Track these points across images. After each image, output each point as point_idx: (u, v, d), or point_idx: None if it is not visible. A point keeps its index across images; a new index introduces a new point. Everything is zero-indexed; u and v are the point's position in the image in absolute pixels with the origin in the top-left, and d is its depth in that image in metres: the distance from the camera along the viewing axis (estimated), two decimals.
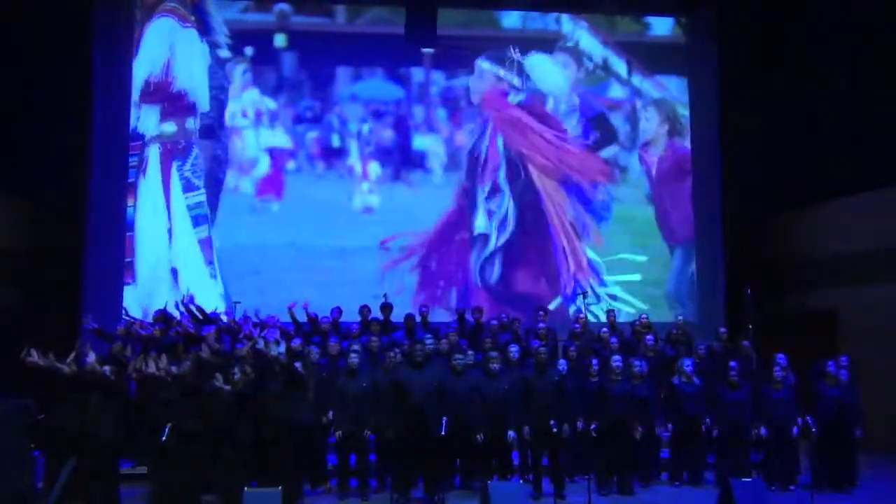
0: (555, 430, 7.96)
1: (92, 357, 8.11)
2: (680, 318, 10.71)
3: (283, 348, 8.25)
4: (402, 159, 12.86)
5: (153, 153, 12.36)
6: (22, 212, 11.82)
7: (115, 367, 8.19)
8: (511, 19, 13.26)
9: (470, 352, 9.04)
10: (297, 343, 8.89)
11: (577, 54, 13.19)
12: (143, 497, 8.19)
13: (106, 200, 12.10)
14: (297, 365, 8.21)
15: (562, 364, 8.69)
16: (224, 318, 10.09)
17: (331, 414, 8.48)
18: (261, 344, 8.24)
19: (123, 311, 11.24)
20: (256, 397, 7.90)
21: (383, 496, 8.21)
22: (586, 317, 10.64)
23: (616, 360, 8.71)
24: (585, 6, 13.16)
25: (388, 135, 12.89)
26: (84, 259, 11.83)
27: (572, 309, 12.18)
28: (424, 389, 8.09)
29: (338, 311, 10.34)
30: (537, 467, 8.39)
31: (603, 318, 11.18)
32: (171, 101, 12.45)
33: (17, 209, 11.74)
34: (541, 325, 9.99)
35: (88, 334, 9.54)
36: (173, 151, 12.40)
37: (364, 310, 10.33)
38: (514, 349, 8.87)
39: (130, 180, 12.25)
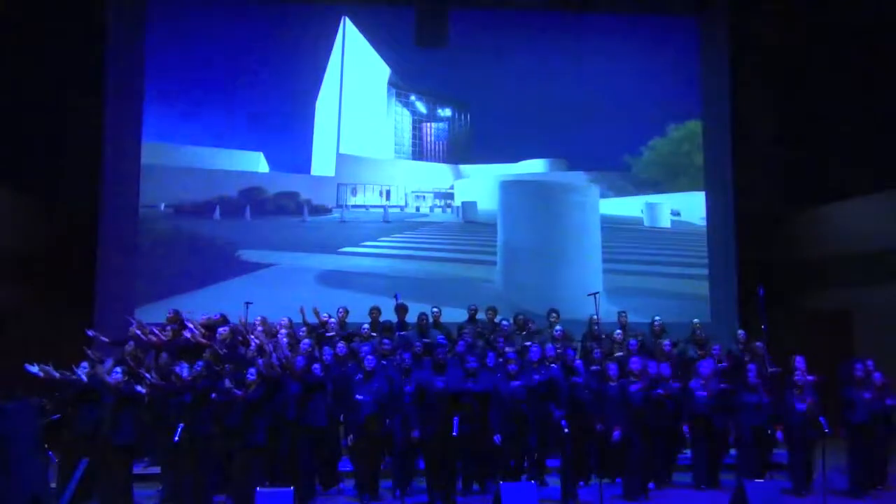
0: (566, 430, 7.93)
1: (109, 363, 8.18)
2: (696, 320, 10.65)
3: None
4: None
5: None
6: (34, 210, 11.87)
7: (129, 369, 8.23)
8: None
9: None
10: (306, 345, 8.91)
11: None
12: (156, 497, 8.23)
13: (119, 199, 12.14)
14: (316, 367, 8.21)
15: (577, 365, 8.67)
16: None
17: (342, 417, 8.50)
18: (274, 358, 8.28)
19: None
20: (270, 400, 7.91)
21: (395, 497, 8.21)
22: (600, 318, 10.59)
23: (634, 363, 8.67)
24: (596, 6, 13.11)
25: None
26: (97, 258, 11.87)
27: None
28: (447, 390, 8.10)
29: (343, 310, 10.36)
30: (577, 465, 8.35)
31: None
32: None
33: (29, 207, 11.78)
34: (557, 327, 9.98)
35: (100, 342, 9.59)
36: None
37: (374, 311, 10.34)
38: (534, 350, 8.85)
39: None
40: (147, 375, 8.10)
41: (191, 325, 9.40)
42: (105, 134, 12.13)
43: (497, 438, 8.14)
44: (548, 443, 8.50)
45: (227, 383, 7.83)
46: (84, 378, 7.84)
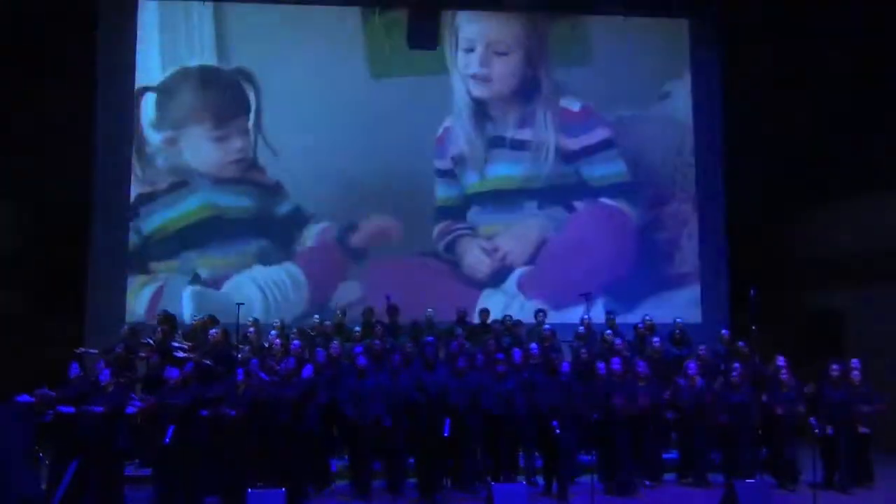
0: (558, 431, 7.96)
1: (100, 365, 8.21)
2: (678, 319, 10.69)
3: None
4: None
5: None
6: (25, 215, 11.89)
7: (118, 371, 8.24)
8: None
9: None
10: (296, 346, 8.92)
11: None
12: (148, 500, 8.23)
13: (111, 204, 12.14)
14: (307, 368, 8.22)
15: (564, 366, 8.71)
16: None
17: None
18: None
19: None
20: (263, 404, 7.93)
21: (387, 497, 8.23)
22: (590, 319, 10.62)
23: (616, 363, 8.72)
24: (591, 7, 13.12)
25: None
26: (88, 262, 11.88)
27: None
28: (437, 390, 8.14)
29: (341, 312, 10.38)
30: (550, 468, 8.41)
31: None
32: None
33: (20, 213, 11.81)
34: (546, 327, 9.99)
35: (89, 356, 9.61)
36: None
37: (367, 312, 10.36)
38: (517, 351, 8.92)
39: None
40: (135, 398, 8.09)
41: (176, 344, 9.41)
42: (97, 139, 12.11)
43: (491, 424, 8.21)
44: (539, 443, 8.53)
45: (223, 409, 7.84)
46: (73, 410, 7.79)
